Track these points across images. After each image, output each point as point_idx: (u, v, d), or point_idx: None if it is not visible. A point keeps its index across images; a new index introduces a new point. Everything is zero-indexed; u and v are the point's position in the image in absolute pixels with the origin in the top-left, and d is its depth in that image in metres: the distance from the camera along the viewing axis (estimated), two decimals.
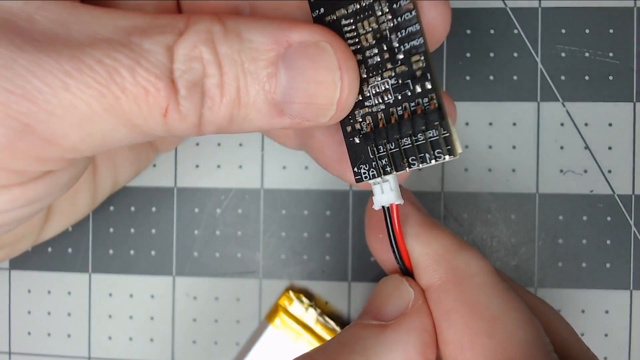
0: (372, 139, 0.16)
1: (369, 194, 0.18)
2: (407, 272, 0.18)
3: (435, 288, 0.17)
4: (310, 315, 0.25)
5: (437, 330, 0.17)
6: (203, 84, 0.15)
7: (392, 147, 0.16)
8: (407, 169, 0.16)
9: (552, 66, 0.25)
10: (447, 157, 0.16)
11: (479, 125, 0.25)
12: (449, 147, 0.16)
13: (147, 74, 0.15)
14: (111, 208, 0.26)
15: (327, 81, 0.15)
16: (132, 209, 0.26)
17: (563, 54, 0.25)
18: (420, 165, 0.16)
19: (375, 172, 0.17)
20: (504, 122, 0.25)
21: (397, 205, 0.17)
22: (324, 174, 0.26)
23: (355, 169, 0.17)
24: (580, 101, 0.24)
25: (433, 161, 0.16)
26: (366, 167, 0.17)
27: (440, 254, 0.18)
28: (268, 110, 0.16)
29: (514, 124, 0.25)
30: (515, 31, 0.25)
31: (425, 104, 0.16)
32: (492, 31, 0.25)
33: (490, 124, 0.25)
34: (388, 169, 0.16)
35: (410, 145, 0.16)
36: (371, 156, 0.17)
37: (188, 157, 0.26)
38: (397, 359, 0.16)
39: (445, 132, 0.16)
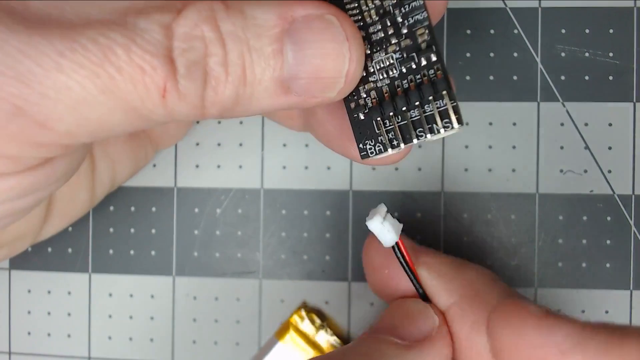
0: (380, 112, 0.16)
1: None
2: (426, 298, 0.19)
3: (458, 305, 0.18)
4: (321, 336, 0.25)
5: (467, 342, 0.18)
6: (206, 63, 0.15)
7: (400, 120, 0.16)
8: (414, 140, 0.16)
9: (552, 66, 0.25)
10: (456, 125, 0.16)
11: (479, 125, 0.25)
12: (457, 116, 0.16)
13: (143, 52, 0.14)
14: (111, 208, 0.26)
15: (335, 54, 0.15)
16: (132, 209, 0.26)
17: (563, 54, 0.25)
18: (429, 136, 0.16)
19: (381, 147, 0.17)
20: (504, 122, 0.25)
21: (401, 240, 0.19)
22: (324, 174, 0.26)
23: (361, 145, 0.17)
24: (580, 101, 0.24)
25: (442, 131, 0.16)
26: (372, 142, 0.17)
27: (451, 275, 0.19)
28: (274, 87, 0.15)
29: (514, 124, 0.25)
30: (515, 31, 0.25)
31: (432, 75, 0.16)
32: (492, 31, 0.25)
33: (490, 124, 0.25)
34: (395, 142, 0.17)
35: (418, 117, 0.16)
36: (377, 131, 0.17)
37: (188, 157, 0.26)
38: None
39: (453, 101, 0.16)
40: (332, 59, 0.15)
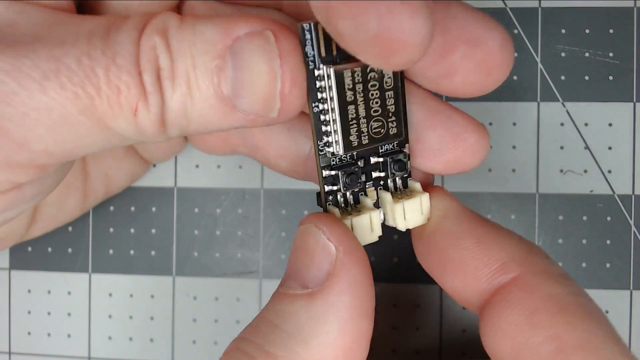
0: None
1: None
2: None
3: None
4: None
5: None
6: (159, 77, 0.15)
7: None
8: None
9: (552, 66, 0.25)
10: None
11: None
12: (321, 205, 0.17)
13: (120, 71, 0.15)
14: (111, 208, 0.26)
15: (265, 71, 0.15)
16: (132, 209, 0.26)
17: (563, 54, 0.25)
18: None
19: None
20: (504, 122, 0.25)
21: None
22: None
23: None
24: (580, 101, 0.24)
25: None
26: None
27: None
28: (220, 105, 0.15)
29: (514, 124, 0.25)
30: (515, 31, 0.25)
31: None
32: None
33: (490, 124, 0.25)
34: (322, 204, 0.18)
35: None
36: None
37: (188, 157, 0.26)
38: (333, 330, 0.15)
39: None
40: (263, 77, 0.15)
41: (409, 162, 0.18)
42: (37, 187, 0.17)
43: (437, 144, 0.17)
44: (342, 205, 0.17)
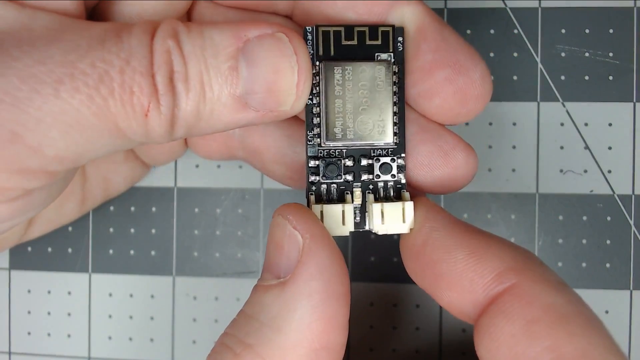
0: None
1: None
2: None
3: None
4: None
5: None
6: (172, 79, 0.16)
7: None
8: None
9: (552, 66, 0.25)
10: None
11: (479, 125, 0.25)
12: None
13: (134, 73, 0.15)
14: (111, 208, 0.26)
15: (284, 67, 0.16)
16: (132, 209, 0.26)
17: (563, 54, 0.25)
18: None
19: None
20: (504, 122, 0.25)
21: None
22: None
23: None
24: (580, 101, 0.24)
25: None
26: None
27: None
28: (232, 103, 0.16)
29: (514, 124, 0.25)
30: (515, 31, 0.25)
31: None
32: (492, 31, 0.25)
33: (490, 124, 0.25)
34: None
35: None
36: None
37: (188, 157, 0.26)
38: (305, 315, 0.15)
39: None
40: (282, 73, 0.16)
41: (402, 172, 0.18)
42: (45, 194, 0.18)
43: (427, 160, 0.18)
44: (325, 198, 0.18)
